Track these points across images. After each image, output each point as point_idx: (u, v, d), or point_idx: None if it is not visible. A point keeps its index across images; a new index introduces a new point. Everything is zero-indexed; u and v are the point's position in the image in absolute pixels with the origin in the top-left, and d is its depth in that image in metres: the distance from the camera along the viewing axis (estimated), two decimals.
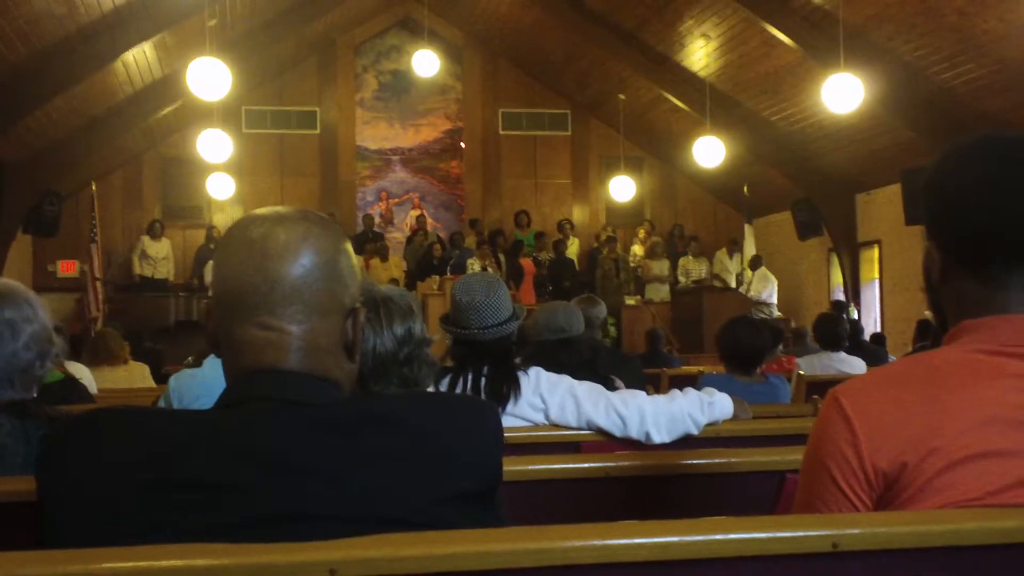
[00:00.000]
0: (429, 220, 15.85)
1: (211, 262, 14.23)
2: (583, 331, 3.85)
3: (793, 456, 2.13)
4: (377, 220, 15.70)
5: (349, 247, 1.35)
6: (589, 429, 2.94)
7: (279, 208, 1.32)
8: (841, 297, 13.76)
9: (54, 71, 10.19)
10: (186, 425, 1.21)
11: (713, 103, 13.04)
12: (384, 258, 14.28)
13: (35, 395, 2.12)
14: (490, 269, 13.44)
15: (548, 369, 3.08)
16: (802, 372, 5.72)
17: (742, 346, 4.56)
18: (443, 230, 15.74)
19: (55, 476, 1.18)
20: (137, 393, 5.69)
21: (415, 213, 16.07)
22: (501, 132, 16.50)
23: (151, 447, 1.17)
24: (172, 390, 3.54)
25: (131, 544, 1.05)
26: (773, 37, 11.19)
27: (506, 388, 2.96)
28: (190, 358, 7.95)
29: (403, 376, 2.16)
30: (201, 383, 3.45)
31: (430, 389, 2.81)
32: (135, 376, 6.37)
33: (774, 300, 14.23)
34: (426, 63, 12.74)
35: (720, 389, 3.10)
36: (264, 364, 1.25)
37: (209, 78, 9.44)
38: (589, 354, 3.71)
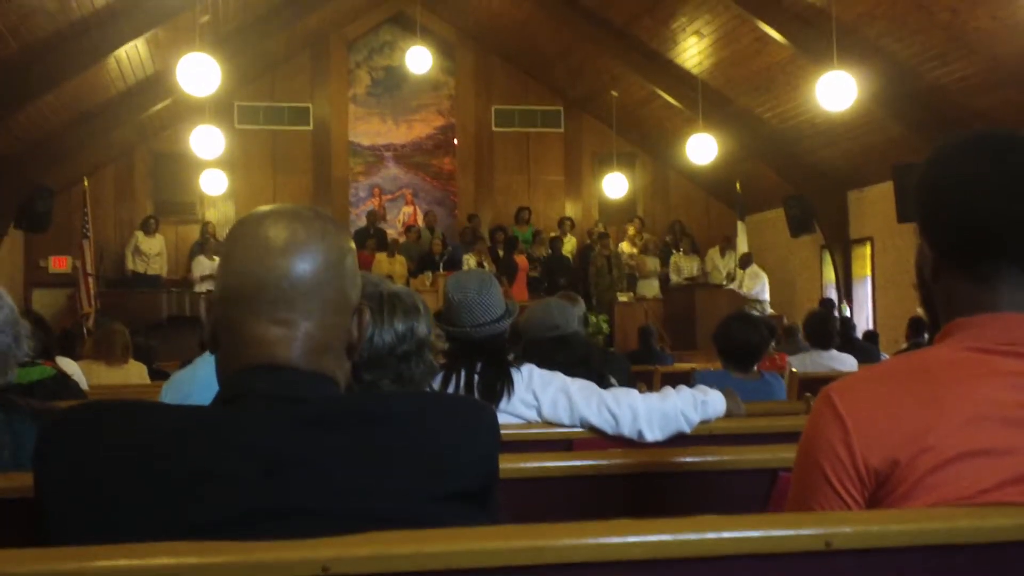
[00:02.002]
0: (426, 217, 15.73)
1: (199, 257, 14.18)
2: (577, 328, 3.84)
3: (786, 454, 2.13)
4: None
5: (353, 245, 1.37)
6: (581, 427, 2.93)
7: (289, 205, 1.33)
8: (833, 294, 13.75)
9: (46, 66, 10.16)
10: (184, 420, 1.21)
11: (705, 100, 13.05)
12: (392, 253, 14.23)
13: (12, 381, 2.09)
14: (485, 265, 13.42)
15: (544, 367, 3.07)
16: (794, 370, 5.72)
17: (739, 343, 4.53)
18: (435, 226, 15.68)
19: (52, 469, 1.18)
20: (131, 390, 5.67)
21: (408, 209, 16.02)
22: (494, 128, 16.46)
23: (149, 441, 1.17)
24: (165, 389, 3.54)
25: (127, 539, 1.05)
26: (765, 34, 11.20)
27: (499, 385, 2.95)
28: None
29: (399, 372, 2.15)
30: (193, 382, 3.43)
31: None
32: (131, 375, 6.34)
33: (767, 297, 14.24)
34: (419, 59, 12.74)
35: (715, 386, 3.09)
36: (267, 360, 1.25)
37: (198, 74, 9.42)
38: (584, 352, 3.70)
